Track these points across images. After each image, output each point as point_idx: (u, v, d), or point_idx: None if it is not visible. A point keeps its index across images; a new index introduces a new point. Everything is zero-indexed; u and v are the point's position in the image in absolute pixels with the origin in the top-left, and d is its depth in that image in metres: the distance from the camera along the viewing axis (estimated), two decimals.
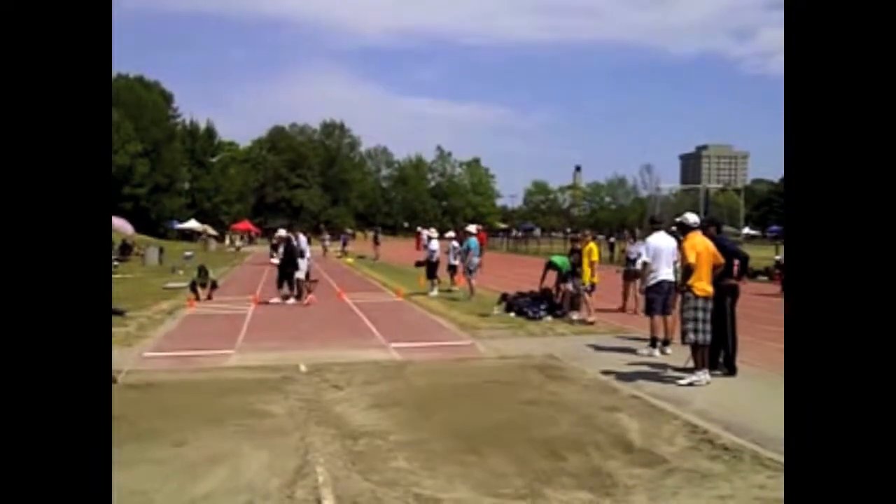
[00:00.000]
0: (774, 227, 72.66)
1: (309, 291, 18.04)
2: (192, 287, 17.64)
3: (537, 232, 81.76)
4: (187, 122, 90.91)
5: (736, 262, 9.19)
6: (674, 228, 9.22)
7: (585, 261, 14.29)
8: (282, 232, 19.57)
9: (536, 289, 15.87)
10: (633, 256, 15.79)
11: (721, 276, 8.74)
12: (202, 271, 18.73)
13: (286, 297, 17.33)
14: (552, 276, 15.57)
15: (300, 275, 17.84)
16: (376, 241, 43.62)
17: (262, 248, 43.39)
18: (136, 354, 10.21)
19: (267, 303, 17.23)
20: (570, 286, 14.67)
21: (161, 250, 38.26)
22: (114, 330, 11.71)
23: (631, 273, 15.55)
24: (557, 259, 15.90)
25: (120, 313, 13.75)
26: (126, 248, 38.39)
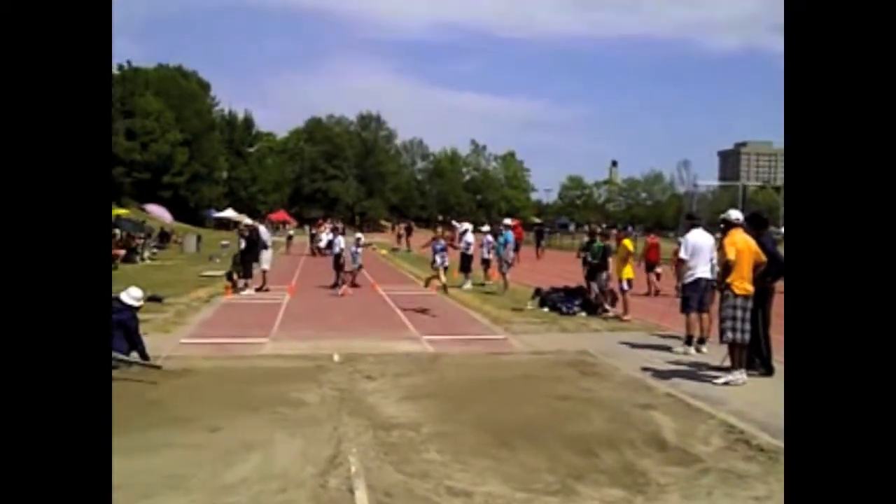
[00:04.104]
0: None
1: (344, 283, 18.18)
2: (229, 276, 17.84)
3: (571, 227, 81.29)
4: (226, 112, 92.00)
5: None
6: (721, 223, 8.98)
7: (619, 257, 14.19)
8: (247, 220, 19.98)
9: (572, 284, 15.80)
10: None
11: (762, 277, 8.55)
12: (238, 259, 18.94)
13: (243, 288, 17.37)
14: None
15: (265, 266, 18.15)
16: (409, 234, 43.65)
17: (298, 238, 43.65)
18: (173, 340, 10.35)
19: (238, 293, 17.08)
20: (596, 284, 14.58)
21: (199, 238, 38.81)
22: (152, 316, 11.93)
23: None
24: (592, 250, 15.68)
25: (158, 300, 13.97)
26: (165, 236, 38.97)
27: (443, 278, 18.28)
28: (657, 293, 18.40)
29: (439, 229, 22.24)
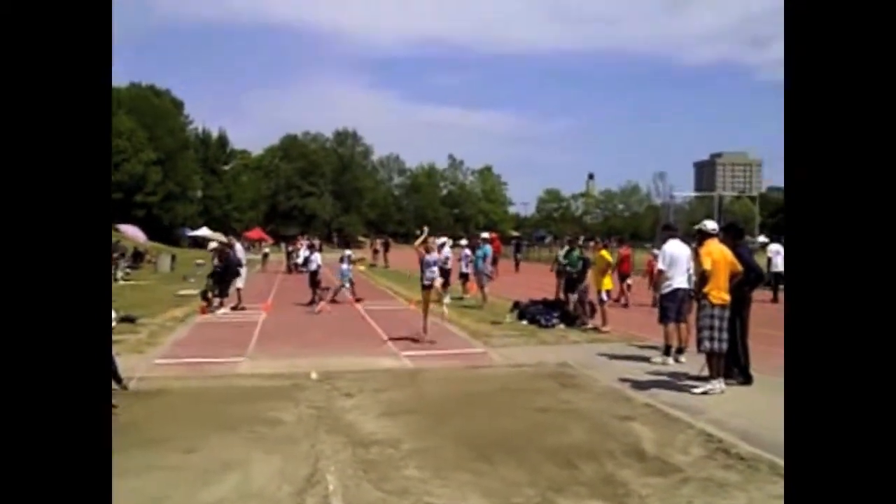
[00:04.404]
0: None
1: (322, 299, 18.07)
2: (204, 295, 17.66)
3: (548, 240, 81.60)
4: (200, 130, 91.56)
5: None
6: (697, 233, 9.04)
7: (597, 268, 14.23)
8: (221, 238, 19.77)
9: (550, 296, 15.83)
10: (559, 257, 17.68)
11: (739, 286, 8.60)
12: (214, 277, 18.77)
13: (217, 307, 17.20)
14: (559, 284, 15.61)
15: (240, 283, 17.94)
16: (386, 249, 43.50)
17: (274, 255, 43.39)
18: (147, 361, 10.20)
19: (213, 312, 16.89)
20: (574, 296, 14.63)
21: (173, 258, 38.44)
22: (125, 337, 11.75)
23: (561, 271, 16.63)
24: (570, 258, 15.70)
25: (132, 320, 13.77)
26: (138, 256, 38.56)
27: (445, 299, 14.88)
28: (627, 304, 18.58)
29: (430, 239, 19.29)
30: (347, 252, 21.31)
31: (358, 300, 19.12)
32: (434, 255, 13.53)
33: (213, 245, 19.95)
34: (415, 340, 12.12)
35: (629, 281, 19.42)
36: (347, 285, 19.78)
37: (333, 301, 18.91)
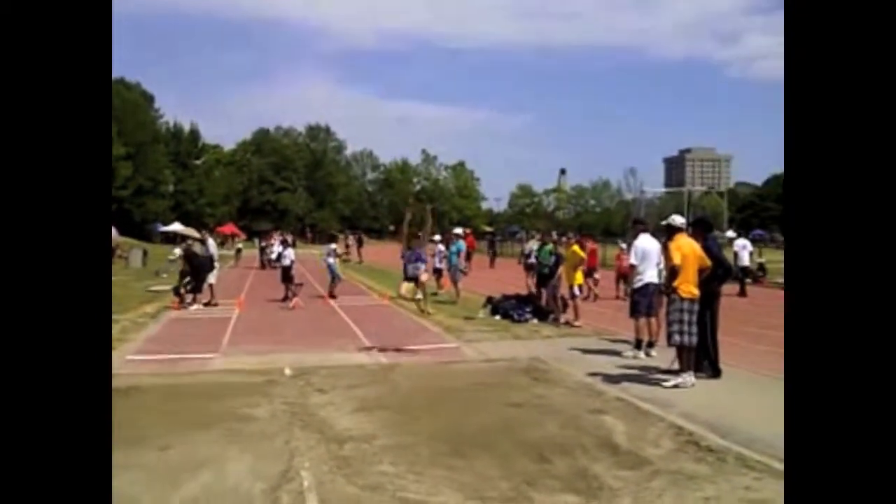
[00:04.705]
0: (758, 231, 72.85)
1: (294, 295, 18.00)
2: (176, 291, 17.52)
3: (522, 235, 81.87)
4: (171, 124, 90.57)
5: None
6: (663, 225, 9.17)
7: (569, 263, 14.33)
8: (195, 234, 19.77)
9: (523, 291, 15.92)
10: (527, 252, 19.46)
11: (708, 280, 8.72)
12: (185, 275, 18.61)
13: (190, 303, 17.15)
14: (534, 278, 15.72)
15: (212, 279, 17.94)
16: (360, 244, 43.48)
17: (247, 251, 43.12)
18: (119, 358, 10.10)
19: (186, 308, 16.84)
20: (546, 291, 14.75)
21: (145, 253, 38.00)
22: None
23: (529, 266, 17.91)
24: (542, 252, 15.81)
25: None
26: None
27: (419, 295, 15.64)
28: (596, 298, 18.78)
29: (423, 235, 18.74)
30: (332, 246, 21.27)
31: (332, 296, 19.11)
32: (418, 252, 14.95)
33: (177, 251, 19.84)
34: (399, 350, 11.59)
35: (597, 275, 19.65)
36: (339, 278, 19.99)
37: (333, 296, 19.06)
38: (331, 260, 20.09)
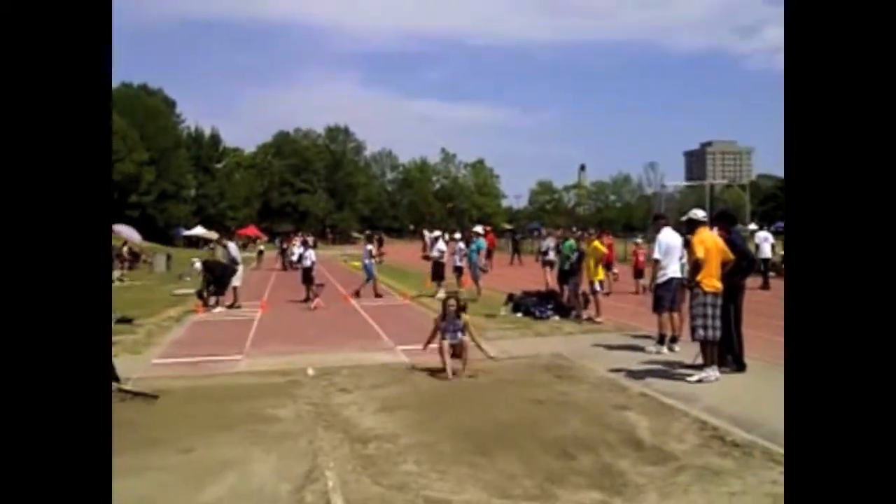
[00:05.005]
0: (780, 224, 72.13)
1: (315, 296, 18.07)
2: (200, 294, 17.66)
3: (543, 232, 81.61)
4: (192, 129, 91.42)
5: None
6: (684, 220, 9.13)
7: (591, 260, 14.26)
8: (198, 264, 20.32)
9: (543, 288, 15.87)
10: (544, 249, 19.70)
11: (731, 274, 8.64)
12: (208, 280, 18.77)
13: (214, 306, 17.29)
14: (552, 275, 15.68)
15: (236, 282, 18.07)
16: (380, 244, 43.47)
17: (269, 252, 43.37)
18: (144, 361, 10.21)
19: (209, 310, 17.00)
20: (568, 286, 14.70)
21: (168, 257, 38.36)
22: (122, 338, 11.75)
23: (546, 262, 18.69)
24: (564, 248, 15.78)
25: (128, 321, 13.77)
26: (134, 256, 38.44)
27: (440, 293, 16.87)
28: (608, 293, 18.71)
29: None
30: (368, 247, 21.38)
31: (357, 295, 19.20)
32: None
33: (197, 265, 20.24)
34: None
35: (615, 270, 19.58)
36: (374, 278, 20.16)
37: (357, 295, 19.25)
38: (367, 261, 20.29)
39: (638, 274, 20.02)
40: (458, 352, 8.76)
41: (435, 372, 8.89)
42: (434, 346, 9.23)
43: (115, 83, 77.07)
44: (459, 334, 8.71)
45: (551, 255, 19.10)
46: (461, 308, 9.22)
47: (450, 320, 8.89)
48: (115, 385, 7.89)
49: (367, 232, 41.30)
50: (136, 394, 7.98)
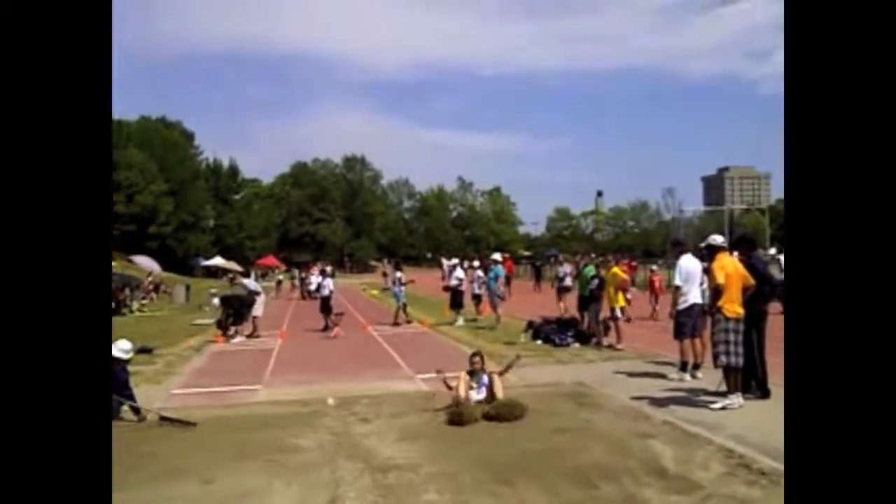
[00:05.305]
0: None
1: (335, 325, 18.09)
2: (220, 324, 17.74)
3: (561, 258, 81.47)
4: (210, 160, 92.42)
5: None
6: (704, 245, 9.08)
7: (611, 287, 14.20)
8: (216, 301, 20.66)
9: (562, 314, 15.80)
10: (560, 275, 20.76)
11: (753, 299, 8.56)
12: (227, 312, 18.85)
13: (233, 336, 17.35)
14: (571, 300, 15.65)
15: (257, 312, 18.16)
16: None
17: (287, 281, 43.54)
18: (164, 391, 10.23)
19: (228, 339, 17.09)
20: (588, 312, 14.62)
21: (188, 288, 38.59)
22: (142, 368, 11.80)
23: (562, 289, 19.62)
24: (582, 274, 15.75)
25: (148, 351, 13.83)
26: (154, 287, 38.70)
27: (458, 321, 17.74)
28: (629, 319, 18.58)
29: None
30: (398, 274, 21.42)
31: (396, 323, 19.42)
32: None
33: (216, 301, 20.57)
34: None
35: (629, 295, 19.47)
36: (403, 304, 20.32)
37: (396, 324, 19.45)
38: (397, 288, 20.46)
39: (654, 298, 20.26)
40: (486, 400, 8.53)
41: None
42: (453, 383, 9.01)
43: (133, 116, 78.43)
44: (484, 389, 8.53)
45: (568, 282, 19.07)
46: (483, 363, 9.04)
47: (476, 376, 8.73)
48: (155, 411, 8.15)
49: (396, 260, 41.49)
50: (173, 421, 8.02)
